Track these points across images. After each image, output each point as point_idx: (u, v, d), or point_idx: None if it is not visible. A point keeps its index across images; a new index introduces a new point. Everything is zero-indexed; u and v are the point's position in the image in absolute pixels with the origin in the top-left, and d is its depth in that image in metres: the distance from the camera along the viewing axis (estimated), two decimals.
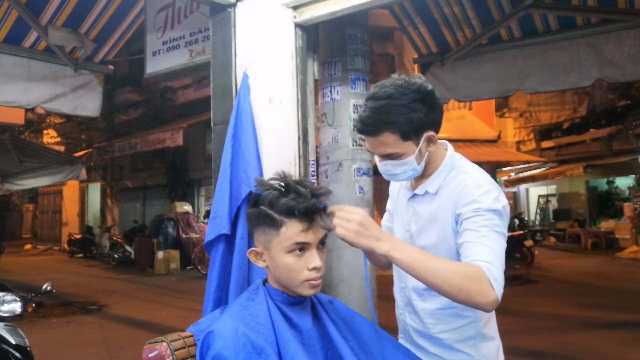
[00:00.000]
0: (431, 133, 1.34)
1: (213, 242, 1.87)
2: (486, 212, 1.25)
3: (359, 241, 1.17)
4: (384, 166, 1.38)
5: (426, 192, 1.42)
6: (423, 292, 1.42)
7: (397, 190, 1.58)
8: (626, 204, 14.37)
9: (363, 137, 1.39)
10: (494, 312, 1.39)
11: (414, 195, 1.45)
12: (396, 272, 1.54)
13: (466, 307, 1.31)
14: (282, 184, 1.23)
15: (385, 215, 1.65)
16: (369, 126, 1.32)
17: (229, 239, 1.86)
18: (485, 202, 1.27)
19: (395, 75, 1.34)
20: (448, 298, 1.17)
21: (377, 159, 1.41)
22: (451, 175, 1.39)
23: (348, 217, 1.17)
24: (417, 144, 1.33)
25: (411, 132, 1.30)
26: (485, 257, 1.18)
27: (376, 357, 1.31)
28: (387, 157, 1.36)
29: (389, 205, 1.63)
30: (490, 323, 1.43)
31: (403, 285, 1.50)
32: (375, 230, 1.18)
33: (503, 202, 1.30)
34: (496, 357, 1.44)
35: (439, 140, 1.41)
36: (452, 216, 1.34)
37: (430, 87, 1.33)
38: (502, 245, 1.25)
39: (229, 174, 1.87)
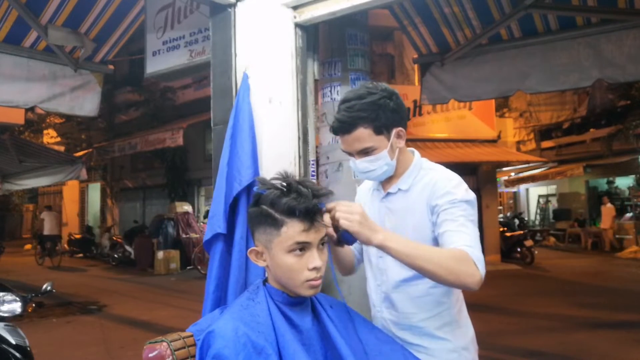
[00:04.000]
0: (400, 128, 1.47)
1: (212, 241, 1.87)
2: (461, 202, 1.38)
3: (361, 230, 1.25)
4: (361, 164, 1.47)
5: (399, 190, 1.53)
6: (401, 283, 1.50)
7: (366, 198, 1.65)
8: (607, 205, 14.09)
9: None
10: (464, 301, 1.55)
11: (387, 194, 1.55)
12: (370, 272, 1.61)
13: (443, 293, 1.46)
14: (284, 184, 1.22)
15: None
16: (344, 124, 1.43)
17: (227, 239, 1.86)
18: (458, 193, 1.40)
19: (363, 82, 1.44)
20: (438, 280, 1.27)
21: (352, 161, 1.50)
22: (421, 174, 1.51)
23: (350, 209, 1.26)
24: (389, 139, 1.45)
25: (382, 127, 1.43)
26: (467, 242, 1.31)
27: (376, 357, 1.31)
28: (362, 153, 1.46)
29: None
30: (462, 311, 1.54)
31: (379, 283, 1.57)
32: (371, 223, 1.29)
33: (472, 194, 1.43)
34: (472, 344, 1.53)
35: (408, 149, 1.55)
36: (427, 208, 1.44)
37: (394, 89, 1.48)
38: (477, 232, 1.38)
39: (225, 173, 1.88)
